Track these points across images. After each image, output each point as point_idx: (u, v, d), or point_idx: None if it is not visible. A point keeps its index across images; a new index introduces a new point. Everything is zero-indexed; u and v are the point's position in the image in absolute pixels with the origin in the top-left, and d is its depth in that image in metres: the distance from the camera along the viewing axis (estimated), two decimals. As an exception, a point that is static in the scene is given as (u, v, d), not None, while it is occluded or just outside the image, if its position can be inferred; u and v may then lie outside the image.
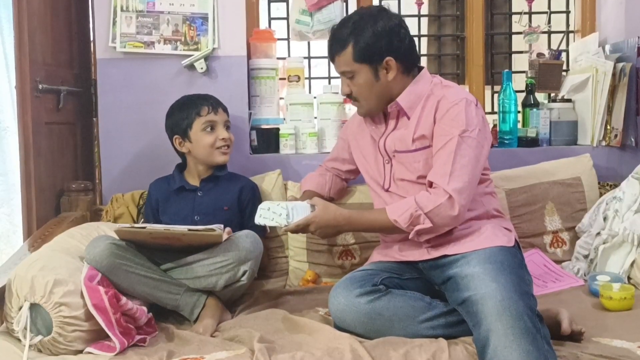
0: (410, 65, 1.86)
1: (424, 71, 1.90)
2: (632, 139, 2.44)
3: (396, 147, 1.87)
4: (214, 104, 2.15)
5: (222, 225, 1.84)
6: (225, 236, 1.87)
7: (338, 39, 1.83)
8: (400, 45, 1.82)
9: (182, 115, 2.14)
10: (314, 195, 2.10)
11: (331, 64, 1.97)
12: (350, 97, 1.90)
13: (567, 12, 2.86)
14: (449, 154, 1.74)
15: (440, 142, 1.77)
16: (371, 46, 1.79)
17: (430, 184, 1.77)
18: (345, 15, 2.59)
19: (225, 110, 2.19)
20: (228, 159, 2.17)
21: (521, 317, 1.48)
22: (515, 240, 1.84)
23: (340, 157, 2.19)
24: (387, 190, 1.92)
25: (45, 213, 2.26)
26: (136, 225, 1.93)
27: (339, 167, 2.21)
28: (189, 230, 1.80)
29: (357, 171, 2.14)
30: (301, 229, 1.78)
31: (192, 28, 2.42)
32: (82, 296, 1.63)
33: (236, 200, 2.17)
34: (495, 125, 2.59)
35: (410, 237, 1.75)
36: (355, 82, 1.84)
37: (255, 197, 2.21)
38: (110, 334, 1.61)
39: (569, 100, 2.61)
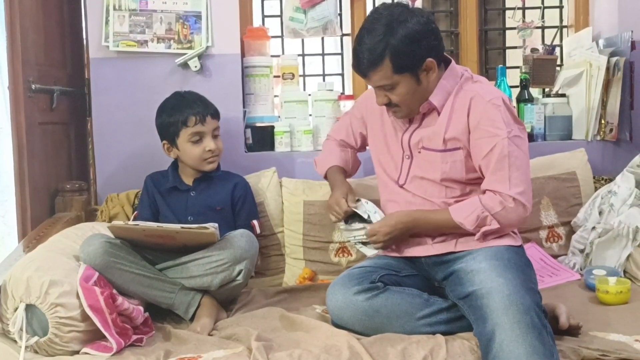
0: (442, 57, 1.79)
1: (452, 65, 1.80)
2: (627, 133, 2.44)
3: (424, 144, 1.79)
4: (202, 112, 2.07)
5: (216, 224, 1.83)
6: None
7: (370, 53, 1.68)
8: (437, 43, 1.72)
9: (169, 120, 2.08)
10: (340, 171, 2.04)
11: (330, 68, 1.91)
12: (388, 105, 1.78)
13: (561, 7, 2.86)
14: (502, 159, 1.69)
15: (486, 146, 1.70)
16: (411, 53, 1.67)
17: (488, 192, 1.72)
18: (337, 10, 2.59)
19: (214, 115, 2.12)
20: (216, 166, 2.14)
21: (528, 312, 1.48)
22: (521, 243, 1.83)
23: (357, 134, 2.06)
24: (401, 187, 1.86)
25: (40, 214, 2.26)
26: (130, 222, 1.92)
27: (352, 144, 2.09)
28: (182, 228, 1.79)
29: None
30: (376, 232, 1.78)
31: (185, 26, 2.41)
32: (77, 297, 1.63)
33: (229, 199, 2.15)
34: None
35: (476, 238, 1.73)
36: (396, 92, 1.73)
37: (247, 194, 2.19)
38: (106, 334, 1.61)
39: (563, 95, 2.62)
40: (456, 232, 1.76)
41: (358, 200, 1.88)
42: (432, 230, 1.79)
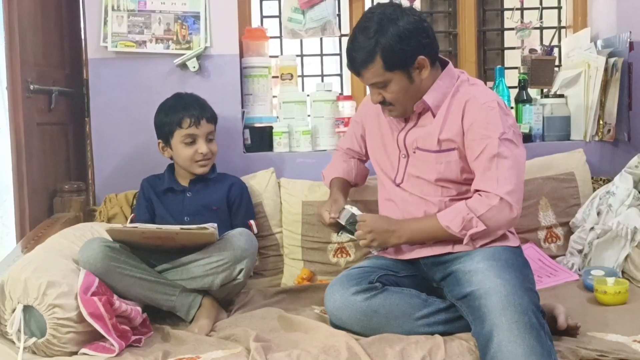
0: (436, 57, 1.80)
1: (449, 67, 1.82)
2: (625, 134, 2.44)
3: (419, 145, 1.81)
4: (198, 115, 2.09)
5: (215, 224, 1.83)
6: None
7: (362, 52, 1.71)
8: (428, 41, 1.74)
9: (165, 120, 2.11)
10: (342, 183, 2.07)
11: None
12: (382, 103, 1.80)
13: (559, 8, 2.86)
14: (491, 159, 1.70)
15: (478, 147, 1.72)
16: (402, 51, 1.69)
17: (477, 192, 1.73)
18: (336, 11, 2.59)
19: (210, 119, 2.13)
20: (207, 170, 2.14)
21: (526, 312, 1.48)
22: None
23: (359, 138, 2.09)
24: (398, 186, 1.88)
25: (38, 214, 2.25)
26: (128, 225, 1.92)
27: (358, 150, 2.12)
28: (182, 229, 1.79)
29: None
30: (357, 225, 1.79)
31: (184, 27, 2.41)
32: (75, 297, 1.62)
33: (225, 198, 2.16)
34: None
35: (464, 242, 1.71)
36: (389, 89, 1.75)
37: (243, 194, 2.19)
38: (110, 339, 1.61)
39: (561, 96, 2.62)
40: (447, 238, 1.74)
41: (344, 209, 1.87)
42: (423, 238, 1.79)
